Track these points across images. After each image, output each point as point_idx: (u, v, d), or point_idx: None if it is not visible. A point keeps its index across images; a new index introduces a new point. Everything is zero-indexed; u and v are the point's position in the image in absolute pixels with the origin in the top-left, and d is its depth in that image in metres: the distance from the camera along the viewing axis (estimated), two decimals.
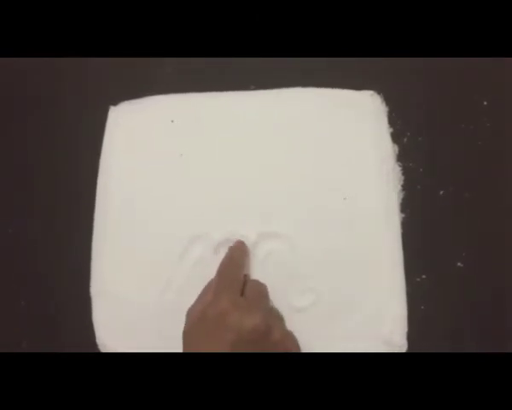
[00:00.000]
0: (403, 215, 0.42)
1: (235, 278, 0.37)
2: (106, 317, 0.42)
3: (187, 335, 0.36)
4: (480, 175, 0.42)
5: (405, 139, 0.43)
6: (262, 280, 0.40)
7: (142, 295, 0.41)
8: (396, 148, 0.43)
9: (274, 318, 0.37)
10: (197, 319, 0.35)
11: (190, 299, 0.40)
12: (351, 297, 0.40)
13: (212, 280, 0.38)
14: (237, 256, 0.40)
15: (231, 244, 0.41)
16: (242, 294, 0.36)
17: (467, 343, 0.40)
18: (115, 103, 0.46)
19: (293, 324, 0.39)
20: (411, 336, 0.39)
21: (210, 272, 0.40)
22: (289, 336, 0.37)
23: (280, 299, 0.40)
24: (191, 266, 0.41)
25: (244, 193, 0.42)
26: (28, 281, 0.44)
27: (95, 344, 0.42)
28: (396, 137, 0.43)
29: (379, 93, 0.44)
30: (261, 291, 0.38)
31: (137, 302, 0.41)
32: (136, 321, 0.41)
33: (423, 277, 0.41)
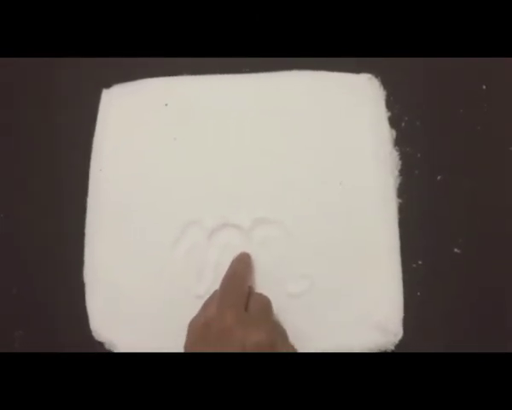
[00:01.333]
0: (400, 201, 0.41)
1: (239, 292, 0.36)
2: (99, 304, 0.41)
3: (190, 349, 0.35)
4: (478, 160, 0.42)
5: (403, 124, 0.43)
6: (257, 266, 0.40)
7: (136, 281, 0.41)
8: (393, 132, 0.42)
9: (278, 333, 0.36)
10: (200, 333, 0.34)
11: (184, 285, 0.40)
12: (346, 283, 0.40)
13: (214, 292, 0.37)
14: (241, 269, 0.39)
15: (226, 230, 0.41)
16: (246, 308, 0.35)
17: (463, 330, 0.39)
18: (108, 86, 0.45)
19: (287, 310, 0.39)
20: (407, 322, 0.39)
21: (203, 258, 0.40)
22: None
23: (275, 285, 0.40)
24: (184, 252, 0.41)
25: (239, 178, 0.42)
26: (20, 269, 0.43)
27: (89, 332, 0.41)
28: (394, 122, 0.42)
29: (377, 77, 0.43)
30: (265, 306, 0.37)
31: (131, 289, 0.41)
32: (130, 308, 0.41)
33: (420, 263, 0.40)
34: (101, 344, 0.41)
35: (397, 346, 0.39)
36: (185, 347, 0.35)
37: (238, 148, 0.42)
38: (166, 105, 0.43)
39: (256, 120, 0.43)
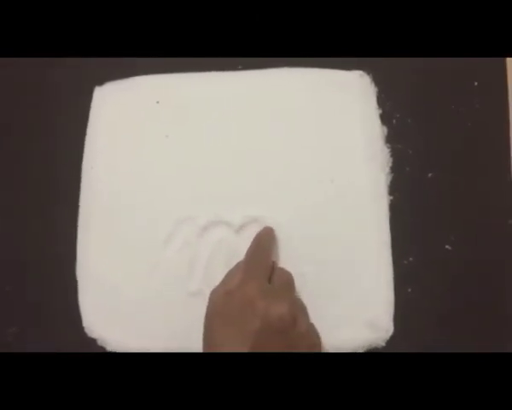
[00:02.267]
0: (391, 198, 0.41)
1: (263, 265, 0.36)
2: (92, 301, 0.41)
3: (211, 318, 0.35)
4: (469, 157, 0.42)
5: (394, 121, 0.42)
6: None
7: (128, 278, 0.41)
8: (385, 129, 0.42)
9: (299, 308, 0.36)
10: (222, 302, 0.34)
11: (176, 282, 0.40)
12: (337, 280, 0.40)
13: (238, 263, 0.37)
14: (265, 242, 0.39)
15: (218, 228, 0.41)
16: (269, 281, 0.36)
17: (454, 327, 0.39)
18: (100, 83, 0.45)
19: None
20: (398, 319, 0.39)
21: (195, 255, 0.40)
22: (313, 329, 0.37)
23: None
24: (177, 249, 0.41)
25: (230, 176, 0.42)
26: (13, 266, 0.43)
27: (82, 328, 0.41)
28: (385, 119, 0.42)
29: (368, 73, 0.43)
30: (288, 280, 0.37)
31: (123, 286, 0.41)
32: (122, 305, 0.41)
33: (410, 259, 0.40)
34: (93, 341, 0.41)
35: (388, 342, 0.39)
36: (206, 315, 0.35)
37: (230, 145, 0.42)
38: (158, 102, 0.43)
39: (247, 118, 0.43)
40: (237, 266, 0.37)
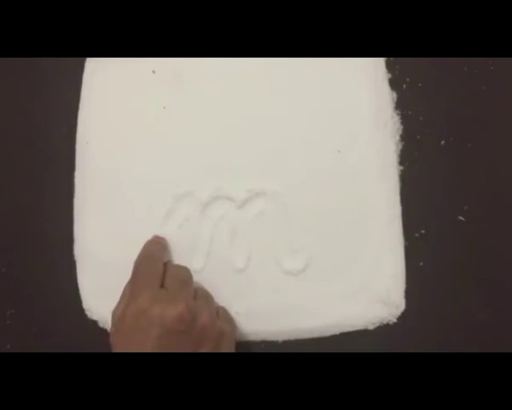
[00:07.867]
0: (401, 168, 0.39)
1: (152, 272, 0.36)
2: (91, 282, 0.40)
3: (112, 337, 0.35)
4: (483, 124, 0.40)
5: (404, 85, 0.40)
6: (250, 242, 0.39)
7: (127, 258, 0.39)
8: (394, 95, 0.40)
9: (199, 301, 0.35)
10: (118, 319, 0.34)
11: (177, 261, 0.40)
12: (346, 256, 0.39)
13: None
14: (153, 250, 0.38)
15: (220, 203, 0.39)
16: (163, 284, 0.35)
17: (467, 301, 0.38)
18: None
19: (285, 287, 0.38)
20: (410, 294, 0.38)
21: (196, 232, 0.39)
22: (218, 316, 0.36)
23: (271, 261, 0.39)
24: (177, 226, 0.40)
25: (232, 148, 0.40)
26: (8, 248, 0.42)
27: (82, 311, 0.41)
28: (394, 84, 0.40)
29: None
30: (182, 277, 0.36)
31: (122, 266, 0.39)
32: (122, 286, 0.39)
33: (422, 232, 0.39)
34: (94, 323, 0.40)
35: (399, 318, 0.38)
36: (110, 335, 0.35)
37: (230, 116, 0.40)
38: (154, 72, 0.41)
39: (250, 86, 0.41)
40: (129, 281, 0.37)
